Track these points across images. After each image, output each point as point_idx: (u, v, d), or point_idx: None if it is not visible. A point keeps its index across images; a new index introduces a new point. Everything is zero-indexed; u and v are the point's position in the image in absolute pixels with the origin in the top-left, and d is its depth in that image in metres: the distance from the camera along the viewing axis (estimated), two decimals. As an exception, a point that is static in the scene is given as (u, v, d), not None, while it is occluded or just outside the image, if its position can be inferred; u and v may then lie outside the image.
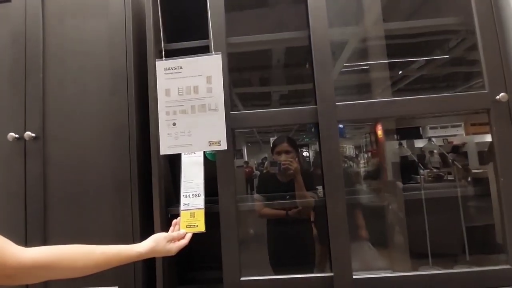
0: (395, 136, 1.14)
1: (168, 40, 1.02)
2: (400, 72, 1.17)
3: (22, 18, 0.98)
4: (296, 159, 1.12)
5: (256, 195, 1.20)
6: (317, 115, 0.88)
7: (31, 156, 0.93)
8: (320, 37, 0.90)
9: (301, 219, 1.05)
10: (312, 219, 1.10)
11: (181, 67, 0.86)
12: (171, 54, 0.98)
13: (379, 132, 1.18)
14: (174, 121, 0.86)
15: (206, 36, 0.91)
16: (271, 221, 1.15)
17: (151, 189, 0.92)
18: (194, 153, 0.94)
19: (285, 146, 1.15)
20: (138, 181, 0.92)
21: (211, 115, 0.86)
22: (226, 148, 0.84)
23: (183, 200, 0.91)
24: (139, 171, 0.93)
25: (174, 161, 1.02)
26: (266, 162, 1.37)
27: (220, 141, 0.86)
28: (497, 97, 0.85)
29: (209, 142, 0.86)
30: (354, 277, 0.84)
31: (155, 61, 0.86)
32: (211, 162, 0.96)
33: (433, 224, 1.04)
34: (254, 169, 1.60)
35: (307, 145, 1.52)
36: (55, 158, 0.94)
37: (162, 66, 0.86)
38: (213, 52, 0.86)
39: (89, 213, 0.92)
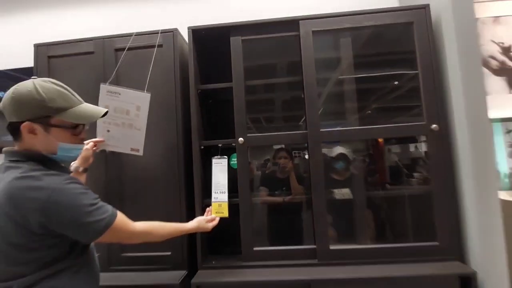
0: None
1: (202, 82, 1.43)
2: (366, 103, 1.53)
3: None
4: (290, 162, 1.55)
5: (261, 187, 1.62)
6: (307, 138, 1.28)
7: (111, 163, 1.36)
8: (310, 80, 1.30)
9: (293, 205, 1.47)
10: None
11: (119, 93, 1.21)
12: (205, 92, 1.39)
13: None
14: (108, 129, 1.20)
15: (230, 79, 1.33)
16: (271, 206, 1.57)
17: (192, 187, 1.33)
18: (221, 163, 1.36)
19: (283, 153, 1.58)
20: (184, 182, 1.34)
21: (135, 132, 1.21)
22: (142, 155, 1.21)
23: (213, 195, 1.33)
24: (184, 175, 1.34)
25: (206, 167, 1.43)
26: (269, 163, 1.74)
27: (139, 149, 1.22)
28: (432, 126, 1.24)
29: (131, 148, 1.22)
30: (330, 248, 1.24)
31: (194, 98, 1.28)
32: (233, 169, 1.36)
33: (390, 214, 1.43)
34: (255, 170, 1.91)
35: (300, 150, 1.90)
36: (128, 165, 1.36)
37: (104, 89, 1.20)
38: (145, 91, 1.23)
39: (151, 203, 1.33)
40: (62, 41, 1.44)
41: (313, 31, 1.31)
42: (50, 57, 1.43)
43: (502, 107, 1.62)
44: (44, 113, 0.79)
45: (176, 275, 1.24)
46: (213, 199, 1.32)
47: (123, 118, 1.21)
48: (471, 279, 1.11)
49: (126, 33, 1.40)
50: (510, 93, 1.63)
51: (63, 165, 0.88)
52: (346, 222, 1.39)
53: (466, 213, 1.22)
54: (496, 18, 1.67)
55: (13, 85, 0.81)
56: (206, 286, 1.20)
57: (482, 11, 1.66)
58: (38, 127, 0.79)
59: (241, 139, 1.32)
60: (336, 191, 1.36)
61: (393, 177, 1.52)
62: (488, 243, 1.15)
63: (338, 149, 1.41)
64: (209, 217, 1.22)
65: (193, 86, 1.36)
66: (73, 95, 0.86)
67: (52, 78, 0.96)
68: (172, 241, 1.13)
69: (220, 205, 1.32)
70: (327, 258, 1.24)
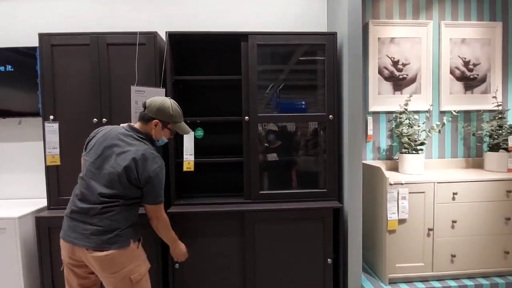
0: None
1: (177, 72, 1.93)
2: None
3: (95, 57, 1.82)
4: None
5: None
6: (249, 120, 1.89)
7: (105, 131, 1.85)
8: (252, 77, 1.87)
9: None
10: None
11: (144, 91, 1.79)
12: (179, 81, 1.90)
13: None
14: None
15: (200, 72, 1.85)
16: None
17: (168, 152, 1.89)
18: (190, 134, 1.92)
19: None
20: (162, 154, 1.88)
21: None
22: None
23: (185, 156, 1.90)
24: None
25: (178, 137, 1.98)
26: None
27: None
28: (329, 117, 1.91)
29: None
30: (260, 192, 1.91)
31: (170, 85, 1.80)
32: (197, 139, 1.94)
33: (298, 171, 2.15)
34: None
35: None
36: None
37: (134, 89, 1.78)
38: (160, 87, 1.81)
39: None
40: (63, 33, 1.82)
41: (257, 44, 1.86)
42: (53, 45, 1.80)
43: (387, 103, 2.35)
44: (167, 120, 1.43)
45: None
46: (184, 159, 1.90)
47: None
48: (339, 210, 1.88)
49: (115, 32, 1.84)
50: (394, 94, 2.36)
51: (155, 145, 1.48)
52: (273, 175, 2.08)
53: (344, 172, 1.96)
54: (392, 39, 2.33)
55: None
56: (178, 215, 1.82)
57: (382, 33, 2.31)
58: (160, 124, 1.41)
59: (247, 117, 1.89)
60: (268, 155, 2.03)
61: (303, 147, 2.21)
62: (352, 190, 1.90)
63: (271, 127, 2.06)
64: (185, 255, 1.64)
65: (169, 77, 1.86)
66: (181, 115, 1.50)
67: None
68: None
69: (189, 163, 1.91)
70: (258, 198, 1.92)
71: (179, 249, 1.58)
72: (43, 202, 1.93)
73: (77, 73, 1.84)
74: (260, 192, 1.92)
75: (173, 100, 1.47)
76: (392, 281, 1.93)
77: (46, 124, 1.83)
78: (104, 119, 1.83)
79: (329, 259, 1.84)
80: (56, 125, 1.83)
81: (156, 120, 1.40)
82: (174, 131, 1.50)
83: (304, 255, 1.85)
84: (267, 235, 1.84)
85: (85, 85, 1.84)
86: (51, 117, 1.83)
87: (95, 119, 1.83)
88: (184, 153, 1.88)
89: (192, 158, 1.89)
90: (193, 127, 1.96)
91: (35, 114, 2.10)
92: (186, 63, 2.10)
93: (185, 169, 1.87)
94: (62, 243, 1.32)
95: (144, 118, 1.41)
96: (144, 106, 1.44)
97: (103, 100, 1.84)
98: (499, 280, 1.94)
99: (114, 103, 1.85)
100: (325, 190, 1.95)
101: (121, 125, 1.44)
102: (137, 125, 1.43)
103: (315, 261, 1.85)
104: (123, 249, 1.28)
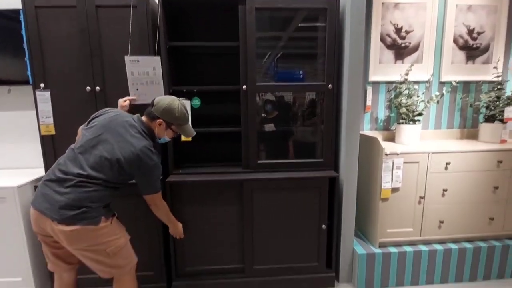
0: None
1: (170, 36, 1.84)
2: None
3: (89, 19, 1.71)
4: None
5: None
6: (247, 90, 1.84)
7: (98, 101, 1.80)
8: (250, 45, 1.80)
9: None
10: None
11: (138, 61, 1.71)
12: (174, 48, 1.82)
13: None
14: (137, 88, 1.74)
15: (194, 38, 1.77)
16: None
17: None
18: (187, 104, 1.88)
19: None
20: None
21: (156, 86, 1.75)
22: None
23: (180, 126, 1.89)
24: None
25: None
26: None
27: None
28: (328, 86, 1.88)
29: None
30: (258, 162, 1.93)
31: (164, 51, 1.73)
32: (194, 108, 1.90)
33: (296, 141, 2.16)
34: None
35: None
36: (112, 102, 1.81)
37: (128, 59, 1.70)
38: (155, 55, 1.73)
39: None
40: (47, -7, 1.69)
41: (256, 7, 1.76)
42: (37, 7, 1.68)
43: (388, 73, 2.30)
44: (172, 121, 1.46)
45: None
46: (180, 129, 1.88)
47: (145, 78, 1.71)
48: (335, 179, 1.92)
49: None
50: (395, 63, 2.31)
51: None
52: (271, 145, 2.10)
53: (341, 142, 1.97)
54: (396, 4, 2.23)
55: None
56: (176, 184, 1.85)
57: (387, -3, 2.20)
58: (164, 124, 1.45)
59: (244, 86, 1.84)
60: (265, 125, 2.02)
61: (300, 118, 2.20)
62: (349, 160, 1.93)
63: (268, 97, 2.02)
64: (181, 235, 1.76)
65: (164, 43, 1.77)
66: (188, 117, 1.52)
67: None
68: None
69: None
70: (256, 168, 1.94)
71: (177, 229, 1.72)
72: (41, 172, 1.94)
73: (66, 38, 1.74)
74: (258, 161, 1.94)
75: (182, 101, 1.49)
76: (382, 245, 2.04)
77: (37, 93, 1.77)
78: (97, 87, 1.77)
79: (323, 225, 1.92)
80: (47, 94, 1.77)
81: (161, 120, 1.44)
82: (177, 132, 1.54)
83: (301, 221, 1.93)
84: (265, 204, 1.89)
85: (75, 51, 1.76)
86: (42, 85, 1.77)
87: (88, 87, 1.77)
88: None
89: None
90: (189, 96, 1.92)
91: (25, 82, 2.03)
92: (181, 29, 2.00)
93: (183, 139, 1.86)
94: (31, 210, 1.30)
95: (150, 115, 1.45)
96: (152, 104, 1.46)
97: (95, 67, 1.77)
98: (482, 244, 2.06)
99: (107, 70, 1.78)
100: (322, 160, 1.98)
101: (131, 116, 1.46)
102: (143, 118, 1.46)
103: (311, 227, 1.93)
104: (92, 226, 1.27)
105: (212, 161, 2.14)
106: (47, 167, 1.84)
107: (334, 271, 2.02)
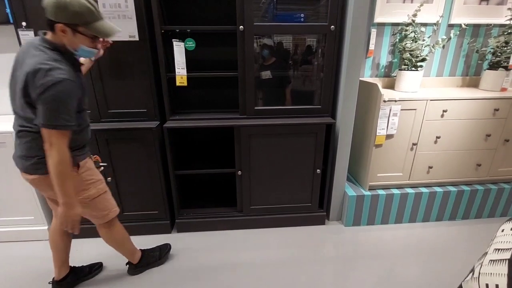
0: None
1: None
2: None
3: None
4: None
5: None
6: (244, 31, 1.74)
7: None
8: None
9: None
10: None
11: None
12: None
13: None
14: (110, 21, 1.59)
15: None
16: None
17: (158, 66, 1.79)
18: (180, 45, 1.79)
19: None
20: (153, 68, 1.77)
21: (129, 21, 1.62)
22: (138, 39, 1.66)
23: (177, 70, 1.82)
24: (153, 63, 1.76)
25: (168, 52, 1.85)
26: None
27: (135, 35, 1.65)
28: (331, 27, 1.77)
29: (129, 35, 1.65)
30: (255, 108, 1.92)
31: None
32: (188, 51, 1.82)
33: (294, 88, 2.12)
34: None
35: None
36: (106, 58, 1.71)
37: None
38: None
39: (128, 79, 1.79)
40: None
41: None
42: None
43: (394, 14, 2.15)
44: (73, 21, 1.08)
45: (152, 123, 1.85)
46: (176, 73, 1.82)
47: (117, 11, 1.55)
48: (331, 125, 1.94)
49: None
50: (404, 2, 2.14)
51: (76, 57, 1.20)
52: (268, 92, 2.06)
53: (340, 89, 1.94)
54: None
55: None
56: (173, 129, 1.86)
57: None
58: (68, 30, 1.09)
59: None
60: (262, 72, 1.95)
61: (298, 64, 2.12)
62: (346, 107, 1.93)
63: (265, 41, 1.92)
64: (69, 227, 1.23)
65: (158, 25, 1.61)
66: (96, 11, 1.12)
67: None
68: (147, 103, 1.71)
69: (181, 77, 1.84)
70: (253, 114, 1.94)
71: (73, 213, 1.20)
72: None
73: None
74: (256, 108, 1.93)
75: None
76: (372, 188, 2.16)
77: (20, 33, 1.66)
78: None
79: (318, 170, 2.01)
80: (31, 33, 1.66)
81: (61, 24, 1.07)
82: (92, 36, 1.15)
83: (296, 166, 2.00)
84: (262, 149, 1.94)
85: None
86: (24, 23, 1.65)
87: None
88: (176, 66, 1.79)
89: (184, 72, 1.82)
90: (183, 37, 1.82)
91: (5, 22, 1.88)
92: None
93: (178, 83, 1.81)
94: None
95: (48, 25, 1.10)
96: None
97: None
98: (465, 188, 2.19)
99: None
100: (320, 106, 1.97)
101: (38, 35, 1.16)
102: (48, 35, 1.14)
103: (306, 171, 2.02)
104: (48, 175, 1.15)
105: (209, 107, 2.13)
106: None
107: (325, 211, 2.18)
